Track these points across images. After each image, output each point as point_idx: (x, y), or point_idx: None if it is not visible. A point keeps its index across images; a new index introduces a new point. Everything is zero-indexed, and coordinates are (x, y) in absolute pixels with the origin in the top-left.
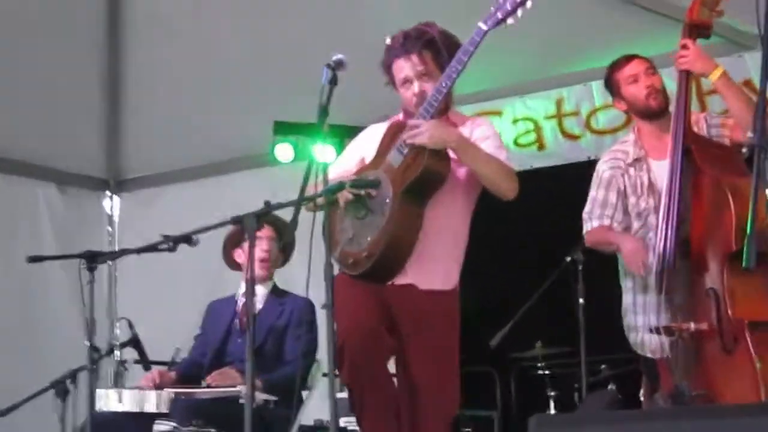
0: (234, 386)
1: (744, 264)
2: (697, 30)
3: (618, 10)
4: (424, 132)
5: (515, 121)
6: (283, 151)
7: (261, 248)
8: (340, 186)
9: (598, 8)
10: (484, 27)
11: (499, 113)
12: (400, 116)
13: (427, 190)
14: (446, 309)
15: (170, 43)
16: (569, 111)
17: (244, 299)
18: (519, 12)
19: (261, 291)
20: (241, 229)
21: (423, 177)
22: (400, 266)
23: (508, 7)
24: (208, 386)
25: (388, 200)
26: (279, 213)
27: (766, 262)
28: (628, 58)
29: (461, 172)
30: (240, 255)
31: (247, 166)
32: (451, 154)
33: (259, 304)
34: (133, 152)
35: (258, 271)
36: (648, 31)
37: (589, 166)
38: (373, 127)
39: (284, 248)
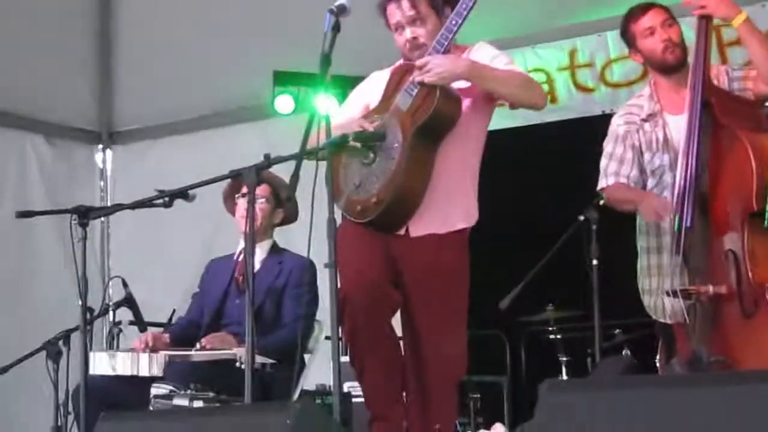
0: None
1: (766, 222)
2: None
3: None
4: (433, 68)
5: (526, 72)
6: (284, 103)
7: (243, 206)
8: (344, 139)
9: None
10: None
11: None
12: (402, 62)
13: (438, 133)
14: (456, 254)
15: None
16: (583, 62)
17: (241, 258)
18: None
19: (258, 250)
20: (234, 183)
21: (434, 119)
22: (410, 213)
23: None
24: (203, 348)
25: (396, 144)
26: (279, 167)
27: None
28: (645, 8)
29: (471, 107)
30: (235, 210)
31: (245, 118)
32: (466, 84)
33: (257, 263)
34: (126, 104)
35: (241, 226)
36: None
37: (604, 120)
38: (376, 74)
39: (283, 205)
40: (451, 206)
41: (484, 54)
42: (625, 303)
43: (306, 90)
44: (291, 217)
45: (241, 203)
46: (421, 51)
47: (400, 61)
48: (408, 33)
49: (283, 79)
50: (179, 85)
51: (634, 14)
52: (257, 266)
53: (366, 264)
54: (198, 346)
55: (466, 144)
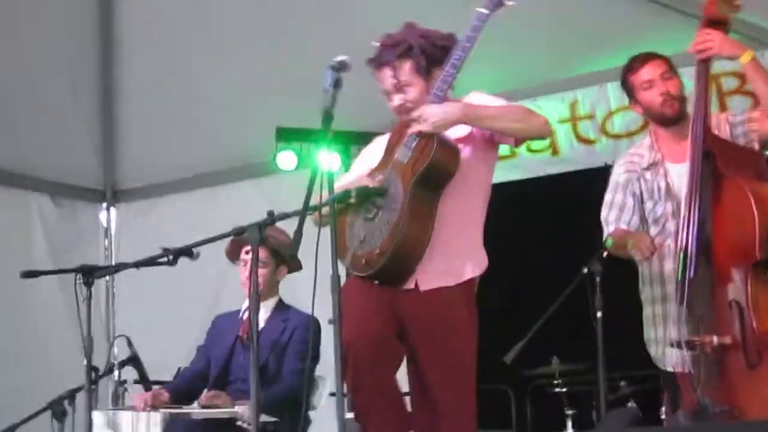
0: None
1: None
2: (715, 26)
3: (633, 8)
4: (428, 117)
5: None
6: (286, 159)
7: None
8: (346, 195)
9: (613, 6)
10: (485, 11)
11: None
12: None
13: (437, 182)
14: (463, 304)
15: (166, 50)
16: (584, 114)
17: (247, 316)
18: None
19: (263, 309)
20: (236, 241)
21: (432, 168)
22: (414, 263)
23: None
24: (202, 406)
25: (398, 196)
26: (283, 224)
27: None
28: (643, 60)
29: (471, 155)
30: (239, 272)
31: (248, 175)
32: (464, 132)
33: (262, 321)
34: (130, 162)
35: (244, 288)
36: (665, 29)
37: (606, 171)
38: (380, 138)
39: (285, 262)
40: (459, 256)
41: (478, 99)
42: (630, 355)
43: (309, 146)
44: (295, 268)
45: (244, 269)
46: (410, 110)
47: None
48: (396, 100)
49: (285, 135)
50: (182, 143)
51: (633, 66)
52: (262, 324)
53: (370, 315)
54: (198, 404)
55: (470, 193)
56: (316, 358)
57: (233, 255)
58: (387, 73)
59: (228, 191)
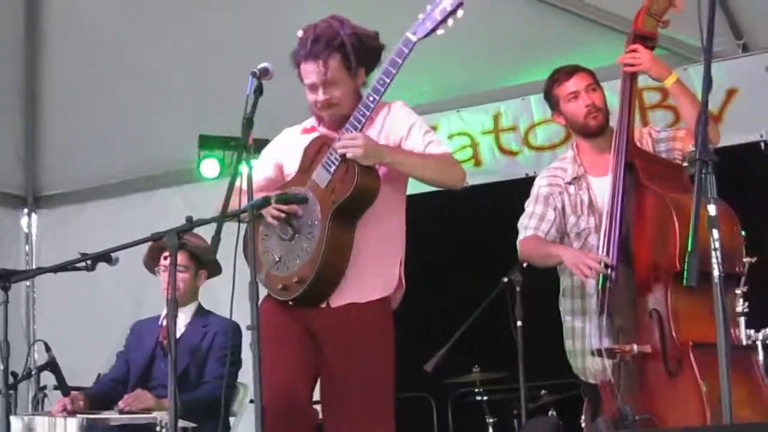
0: (149, 411)
1: (685, 282)
2: (643, 41)
3: (558, 21)
4: (360, 147)
5: (450, 136)
6: (209, 167)
7: (164, 277)
8: (266, 201)
9: (538, 19)
10: (413, 38)
11: (434, 128)
12: (313, 120)
13: (358, 210)
14: (375, 319)
15: (89, 55)
16: (507, 126)
17: (166, 322)
18: (450, 21)
19: (182, 315)
20: (154, 247)
21: (354, 198)
22: (332, 289)
23: (438, 16)
24: (121, 411)
25: (316, 222)
26: (204, 229)
27: (709, 282)
28: (570, 72)
29: (387, 178)
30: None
31: (171, 182)
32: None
33: (181, 326)
34: (52, 168)
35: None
36: (590, 43)
37: (528, 183)
38: (287, 130)
39: (205, 266)
40: (370, 276)
41: (401, 121)
42: (551, 363)
43: (231, 154)
44: (214, 272)
45: (164, 275)
46: (333, 111)
47: (311, 121)
48: (320, 95)
49: (207, 143)
50: (106, 150)
51: (558, 78)
52: (182, 330)
53: (288, 371)
54: (116, 409)
55: (387, 214)
56: (237, 362)
57: (151, 263)
58: (314, 66)
59: (151, 198)
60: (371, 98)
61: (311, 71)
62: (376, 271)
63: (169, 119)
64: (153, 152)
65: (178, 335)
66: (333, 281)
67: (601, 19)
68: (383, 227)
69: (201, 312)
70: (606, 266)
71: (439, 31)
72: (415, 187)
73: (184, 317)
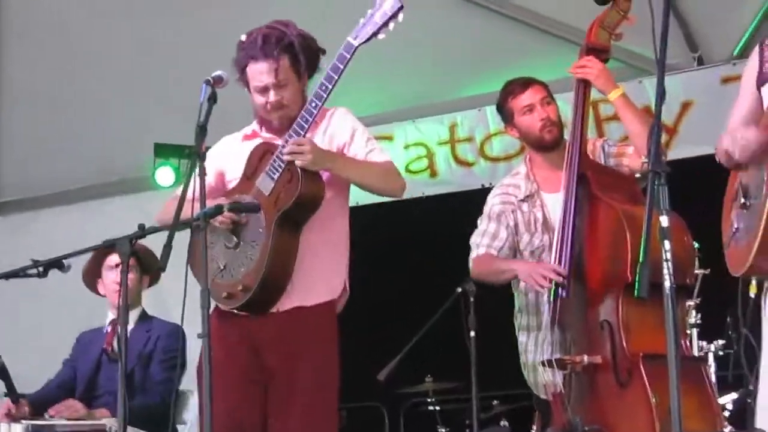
0: (83, 418)
1: (636, 293)
2: (596, 53)
3: (514, 33)
4: (308, 153)
5: (407, 147)
6: (164, 175)
7: (114, 279)
8: (218, 209)
9: (494, 30)
10: (355, 42)
11: (390, 138)
12: (254, 125)
13: (302, 217)
14: (319, 324)
15: (46, 62)
16: (463, 137)
17: (110, 329)
18: (391, 25)
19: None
20: (98, 257)
21: (298, 204)
22: (277, 297)
23: (379, 20)
24: (51, 418)
25: (261, 230)
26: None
27: (660, 293)
28: (524, 85)
29: (330, 183)
30: (102, 286)
31: (127, 190)
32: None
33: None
34: (7, 175)
35: (114, 298)
36: (545, 55)
37: (483, 194)
38: (226, 139)
39: (149, 271)
40: (316, 281)
41: (344, 127)
42: (504, 374)
43: (186, 162)
44: (156, 279)
45: (110, 275)
46: (283, 113)
47: (252, 127)
48: (272, 96)
49: (163, 151)
50: (61, 157)
51: (513, 90)
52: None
53: (235, 402)
54: (47, 416)
55: (331, 221)
56: (183, 365)
57: (92, 274)
58: (264, 66)
59: (108, 206)
60: (314, 104)
61: (263, 71)
62: (321, 276)
63: (125, 127)
64: (109, 160)
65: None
66: (278, 289)
67: (557, 31)
68: (327, 232)
69: (144, 317)
70: (559, 275)
71: (380, 35)
72: (370, 197)
73: (129, 322)
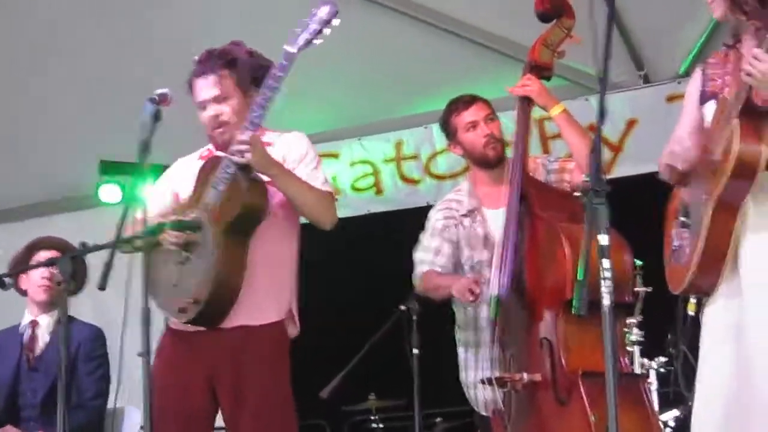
0: None
1: (574, 310)
2: (539, 71)
3: (460, 50)
4: (253, 150)
5: (353, 164)
6: (110, 192)
7: (42, 274)
8: (160, 227)
9: (440, 48)
10: (292, 50)
11: (336, 155)
12: (210, 146)
13: (248, 227)
14: (269, 343)
15: None
16: (408, 154)
17: (30, 331)
18: (326, 31)
19: (46, 320)
20: (27, 253)
21: (242, 213)
22: (228, 308)
23: (315, 26)
24: None
25: (209, 242)
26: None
27: (599, 311)
28: (468, 102)
29: (279, 199)
30: (25, 281)
31: (72, 207)
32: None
33: (46, 334)
34: None
35: (41, 295)
36: (491, 72)
37: (429, 211)
38: (181, 160)
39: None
40: (263, 299)
41: (296, 147)
42: (446, 391)
43: (132, 179)
44: (80, 284)
45: (34, 273)
46: (225, 129)
47: (208, 147)
48: (211, 110)
49: (108, 168)
50: (4, 174)
51: (456, 108)
52: (47, 337)
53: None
54: None
55: (280, 235)
56: (108, 376)
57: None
58: (207, 82)
59: (52, 223)
60: (256, 113)
61: (202, 87)
62: (269, 295)
63: (69, 144)
64: (53, 177)
65: (41, 345)
66: (229, 299)
67: (502, 49)
68: (276, 251)
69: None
70: (498, 297)
71: (317, 41)
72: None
73: (46, 324)
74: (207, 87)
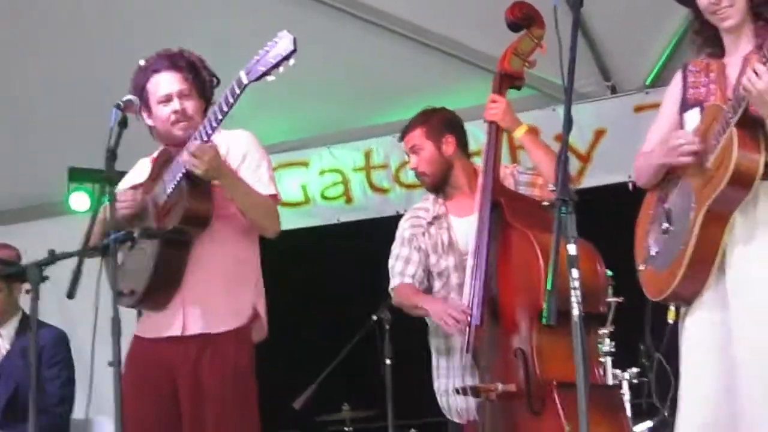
0: None
1: (544, 321)
2: (510, 80)
3: (430, 60)
4: (205, 159)
5: (322, 173)
6: (79, 200)
7: None
8: (128, 235)
9: (410, 57)
10: (245, 80)
11: (305, 164)
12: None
13: (192, 230)
14: (236, 351)
15: None
16: (378, 163)
17: None
18: (281, 68)
19: (4, 332)
20: None
21: (184, 224)
22: (168, 299)
23: (271, 60)
24: None
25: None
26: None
27: (570, 321)
28: (406, 128)
29: (231, 209)
30: None
31: (42, 214)
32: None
33: (6, 345)
34: None
35: None
36: (460, 81)
37: (398, 220)
38: (142, 161)
39: (22, 278)
40: (220, 303)
41: (235, 147)
42: (420, 401)
43: (102, 187)
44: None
45: None
46: (188, 124)
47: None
48: (177, 104)
49: (77, 175)
50: None
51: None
52: (7, 347)
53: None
54: None
55: (232, 239)
56: (72, 379)
57: None
58: (169, 76)
59: (22, 230)
60: (205, 134)
61: (167, 80)
62: (227, 299)
63: (39, 151)
64: (22, 185)
65: (3, 353)
66: (165, 297)
67: (472, 58)
68: (233, 253)
69: (25, 325)
70: (467, 315)
71: (270, 78)
72: (286, 224)
73: (7, 336)
74: (175, 81)
